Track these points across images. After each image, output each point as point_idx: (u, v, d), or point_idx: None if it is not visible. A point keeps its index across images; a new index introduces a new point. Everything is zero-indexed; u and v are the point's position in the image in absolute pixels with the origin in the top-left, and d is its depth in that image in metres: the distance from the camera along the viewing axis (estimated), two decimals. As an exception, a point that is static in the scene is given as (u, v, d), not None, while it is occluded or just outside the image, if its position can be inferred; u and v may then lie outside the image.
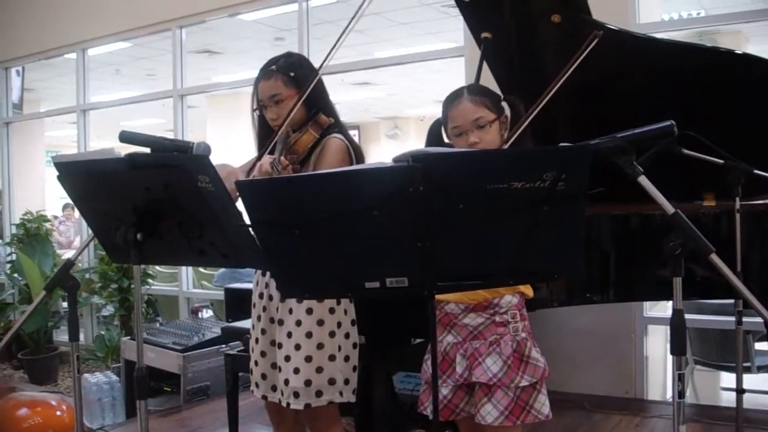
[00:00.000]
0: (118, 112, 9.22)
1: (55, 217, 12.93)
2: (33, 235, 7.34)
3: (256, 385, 2.70)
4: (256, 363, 2.70)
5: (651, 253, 2.84)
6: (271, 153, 2.55)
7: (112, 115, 9.12)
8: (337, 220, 1.59)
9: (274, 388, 2.64)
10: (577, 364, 4.49)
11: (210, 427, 4.33)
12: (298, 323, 2.54)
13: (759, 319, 2.11)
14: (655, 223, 3.00)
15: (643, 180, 1.80)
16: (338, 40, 2.60)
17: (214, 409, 4.57)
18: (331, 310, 2.57)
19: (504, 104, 2.26)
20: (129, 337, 5.35)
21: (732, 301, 3.50)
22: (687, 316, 1.75)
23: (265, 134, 2.71)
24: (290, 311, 2.56)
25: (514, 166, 1.54)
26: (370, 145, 17.71)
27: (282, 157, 2.48)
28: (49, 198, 9.82)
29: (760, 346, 4.65)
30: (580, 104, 2.94)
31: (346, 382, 2.60)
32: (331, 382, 2.54)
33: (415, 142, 16.26)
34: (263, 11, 6.73)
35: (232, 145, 8.81)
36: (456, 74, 5.13)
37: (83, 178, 2.14)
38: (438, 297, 2.16)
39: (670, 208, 1.76)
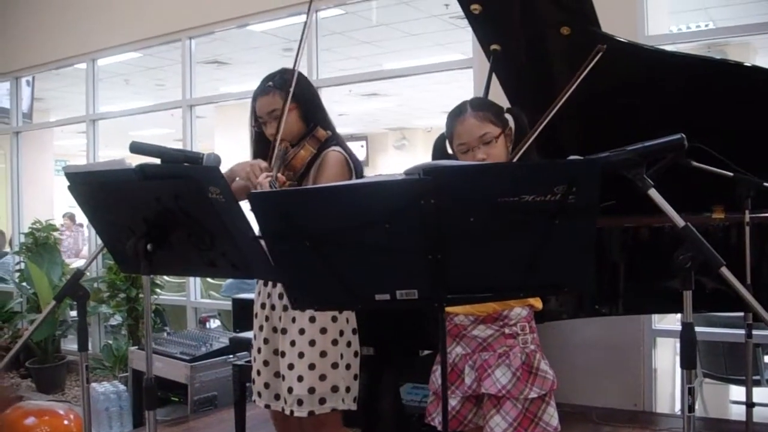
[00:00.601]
0: (126, 121, 9.25)
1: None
2: (41, 244, 7.35)
3: (258, 394, 2.73)
4: (258, 372, 2.73)
5: (660, 265, 2.83)
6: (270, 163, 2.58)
7: (120, 124, 9.16)
8: (348, 232, 1.59)
9: (277, 397, 2.67)
10: (586, 376, 4.48)
11: (217, 437, 4.33)
12: (302, 331, 2.57)
13: (769, 332, 2.11)
14: (664, 235, 3.00)
15: (653, 193, 1.80)
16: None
17: (221, 419, 4.57)
18: (334, 319, 2.61)
19: (507, 116, 2.26)
20: (137, 347, 5.36)
21: (742, 314, 3.49)
22: (696, 328, 1.75)
23: (262, 149, 2.75)
24: (293, 320, 2.59)
25: (525, 179, 1.55)
26: (378, 156, 17.72)
27: (279, 174, 2.51)
28: (57, 207, 9.84)
29: (770, 359, 4.62)
30: (588, 116, 2.94)
31: (348, 389, 2.63)
32: (334, 389, 2.58)
33: (423, 152, 16.23)
34: (272, 22, 6.75)
35: (239, 155, 8.83)
36: (464, 85, 5.14)
37: (94, 188, 2.15)
38: (447, 309, 2.16)
39: (680, 221, 1.75)
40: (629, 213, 2.78)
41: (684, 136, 1.85)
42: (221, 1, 6.37)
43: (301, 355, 2.56)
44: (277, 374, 2.66)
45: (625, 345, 4.49)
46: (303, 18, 5.94)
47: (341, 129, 2.87)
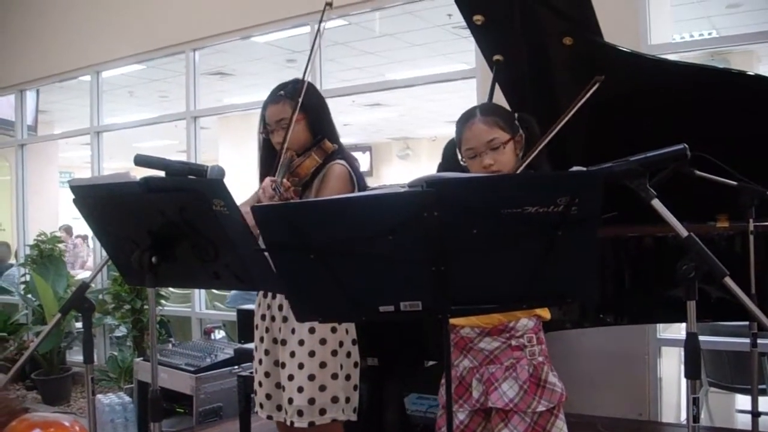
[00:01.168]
0: (130, 133, 9.26)
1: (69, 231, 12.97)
2: (47, 256, 7.36)
3: (261, 405, 2.75)
4: (260, 384, 2.75)
5: (664, 274, 2.84)
6: (274, 175, 2.59)
7: (124, 136, 9.17)
8: (352, 244, 1.60)
9: (279, 408, 2.69)
10: (590, 385, 4.47)
11: (222, 448, 4.33)
12: (301, 342, 2.58)
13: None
14: (668, 244, 2.99)
15: (657, 203, 1.80)
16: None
17: (226, 430, 4.56)
18: (333, 330, 2.62)
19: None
20: (142, 358, 5.35)
21: (747, 323, 3.48)
22: (701, 337, 1.75)
23: (269, 157, 2.76)
24: (293, 331, 2.61)
25: (528, 190, 1.55)
26: (381, 166, 17.75)
27: (284, 180, 2.52)
28: (62, 219, 9.86)
29: (774, 368, 4.61)
30: (592, 126, 2.94)
31: (348, 400, 2.64)
32: (334, 400, 2.59)
33: (427, 162, 16.25)
34: (275, 34, 6.77)
35: (243, 166, 8.86)
36: (468, 95, 5.14)
37: (99, 201, 2.15)
38: (453, 321, 2.15)
39: (683, 231, 1.76)
40: (633, 222, 2.78)
41: (686, 146, 1.85)
42: (224, 13, 6.39)
43: (300, 366, 2.57)
44: (278, 385, 2.68)
45: (629, 354, 4.48)
46: (306, 29, 5.97)
47: (345, 139, 2.88)
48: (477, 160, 2.17)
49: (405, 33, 8.03)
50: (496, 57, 3.17)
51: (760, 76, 3.23)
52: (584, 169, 1.71)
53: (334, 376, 2.59)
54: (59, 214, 9.82)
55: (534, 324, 2.17)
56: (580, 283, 1.66)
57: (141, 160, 2.33)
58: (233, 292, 6.46)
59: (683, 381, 1.82)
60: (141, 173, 2.10)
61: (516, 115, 2.28)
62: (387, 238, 1.55)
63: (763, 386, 4.34)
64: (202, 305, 6.85)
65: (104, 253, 2.36)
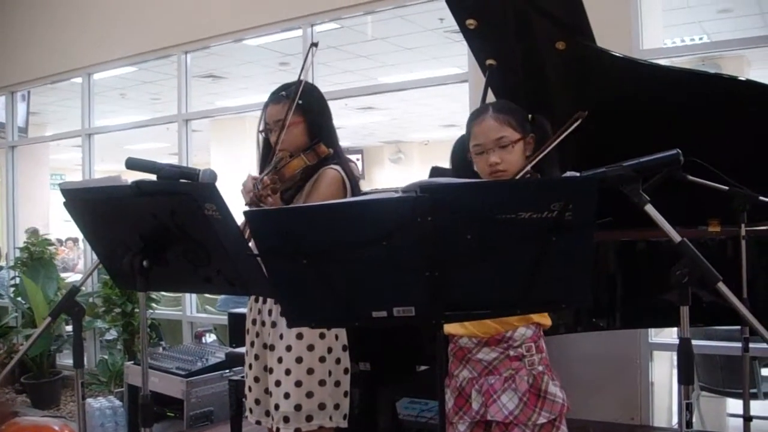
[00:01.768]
0: (122, 135, 9.24)
1: (60, 242, 12.92)
2: (37, 259, 7.32)
3: (250, 410, 2.74)
4: (249, 389, 2.74)
5: (657, 279, 2.84)
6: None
7: (116, 138, 9.16)
8: (345, 249, 1.59)
9: (268, 413, 2.67)
10: (583, 390, 4.46)
11: (213, 453, 4.31)
12: (288, 348, 2.57)
13: (766, 346, 2.11)
14: (661, 249, 3.00)
15: (650, 209, 1.80)
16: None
17: (217, 434, 4.55)
18: (322, 336, 2.60)
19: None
20: (132, 362, 5.33)
21: (738, 327, 3.49)
22: (693, 342, 1.74)
23: (266, 156, 2.74)
24: (281, 337, 2.60)
25: (522, 196, 1.55)
26: (373, 170, 17.75)
27: (266, 177, 2.49)
28: (53, 221, 9.82)
29: (767, 372, 4.61)
30: (584, 131, 2.94)
31: (336, 406, 2.63)
32: (321, 406, 2.57)
33: (419, 166, 16.27)
34: (267, 37, 6.76)
35: (235, 168, 8.83)
36: (460, 99, 5.14)
37: (90, 204, 2.15)
38: (450, 331, 2.14)
39: (676, 237, 1.76)
40: (626, 227, 2.78)
41: (680, 151, 1.85)
42: (216, 16, 6.38)
43: (287, 372, 2.56)
44: (267, 391, 2.66)
45: (622, 358, 4.48)
46: (299, 32, 5.96)
47: (337, 143, 2.87)
48: (484, 157, 2.12)
49: (397, 37, 8.03)
50: (489, 61, 3.17)
51: (752, 81, 3.24)
52: (578, 174, 1.71)
53: (322, 383, 2.57)
54: (50, 217, 9.77)
55: (533, 333, 2.13)
56: (575, 289, 1.65)
57: (132, 164, 2.31)
58: (224, 295, 6.44)
59: (675, 385, 1.82)
60: (132, 176, 2.09)
61: (530, 116, 2.22)
62: (380, 244, 1.54)
63: (755, 390, 4.35)
64: (193, 309, 6.83)
65: (95, 257, 2.34)
